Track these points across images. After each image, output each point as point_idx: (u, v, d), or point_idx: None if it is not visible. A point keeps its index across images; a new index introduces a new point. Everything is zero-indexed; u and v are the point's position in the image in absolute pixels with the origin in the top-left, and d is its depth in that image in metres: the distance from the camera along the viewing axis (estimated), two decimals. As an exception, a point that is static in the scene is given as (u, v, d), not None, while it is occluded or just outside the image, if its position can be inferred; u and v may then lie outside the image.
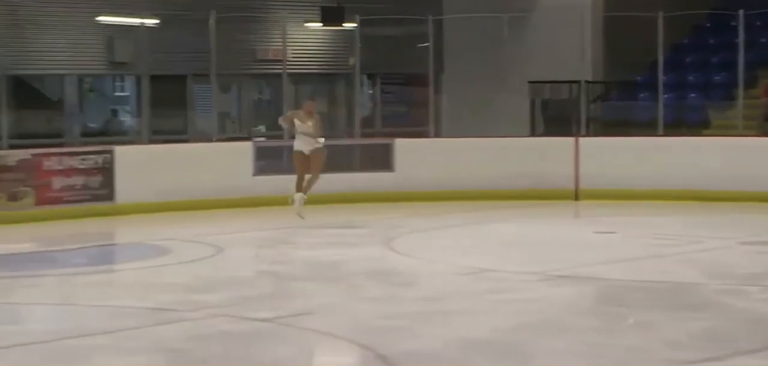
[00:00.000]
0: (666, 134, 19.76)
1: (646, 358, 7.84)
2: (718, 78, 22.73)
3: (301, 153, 15.34)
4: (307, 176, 15.34)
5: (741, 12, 19.71)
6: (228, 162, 18.14)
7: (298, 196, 15.24)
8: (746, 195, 17.80)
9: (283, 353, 8.10)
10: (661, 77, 20.17)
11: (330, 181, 18.34)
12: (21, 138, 18.46)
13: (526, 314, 9.38)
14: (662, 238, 14.27)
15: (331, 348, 8.54)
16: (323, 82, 24.71)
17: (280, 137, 18.97)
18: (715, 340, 8.38)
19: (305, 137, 15.29)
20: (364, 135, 21.02)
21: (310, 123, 15.34)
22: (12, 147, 17.06)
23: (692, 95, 22.70)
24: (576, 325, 9.00)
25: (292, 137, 15.85)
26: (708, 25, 24.22)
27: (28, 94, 21.11)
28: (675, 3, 20.72)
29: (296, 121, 15.44)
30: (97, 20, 20.66)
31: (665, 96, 20.47)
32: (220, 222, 15.69)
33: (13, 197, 16.11)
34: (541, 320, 9.14)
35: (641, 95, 22.43)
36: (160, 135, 19.97)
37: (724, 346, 8.17)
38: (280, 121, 16.25)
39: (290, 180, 16.02)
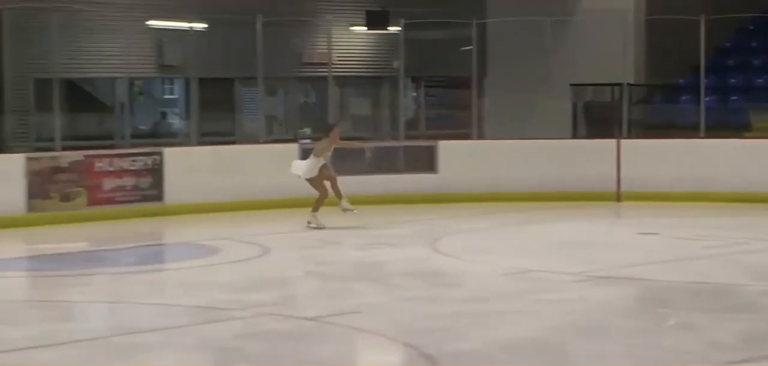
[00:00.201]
0: (708, 137, 19.57)
1: (689, 358, 7.77)
2: (760, 81, 22.56)
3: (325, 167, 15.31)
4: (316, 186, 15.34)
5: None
6: (274, 163, 18.17)
7: (343, 202, 15.26)
8: (789, 197, 17.67)
9: (328, 352, 8.10)
10: (703, 80, 19.98)
11: (375, 183, 18.41)
12: (73, 140, 18.58)
13: (568, 315, 9.31)
14: (704, 239, 14.12)
15: (376, 347, 8.53)
16: (368, 85, 24.71)
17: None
18: (758, 341, 8.29)
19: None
20: (408, 137, 21.01)
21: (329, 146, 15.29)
22: (65, 149, 17.16)
23: (734, 98, 22.48)
24: (618, 326, 8.93)
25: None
26: (751, 27, 23.99)
27: (80, 97, 21.27)
28: (717, 6, 20.55)
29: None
30: (147, 25, 20.79)
31: (707, 99, 20.25)
32: (267, 222, 15.73)
33: (66, 198, 16.23)
34: (584, 321, 9.09)
35: (683, 98, 22.26)
36: (208, 137, 20.05)
37: (766, 347, 8.08)
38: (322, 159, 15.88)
39: (338, 182, 16.06)
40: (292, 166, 15.54)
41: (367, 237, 14.79)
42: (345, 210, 15.24)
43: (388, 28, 21.96)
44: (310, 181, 15.11)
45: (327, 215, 15.23)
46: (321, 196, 15.19)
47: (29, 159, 16.22)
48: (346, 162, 17.26)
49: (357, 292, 10.61)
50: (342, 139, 15.87)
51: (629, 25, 21.77)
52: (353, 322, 9.04)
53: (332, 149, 15.31)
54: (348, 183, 17.82)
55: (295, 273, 12.34)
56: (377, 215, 16.64)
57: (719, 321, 8.95)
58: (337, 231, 15.07)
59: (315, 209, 15.15)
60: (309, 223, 15.11)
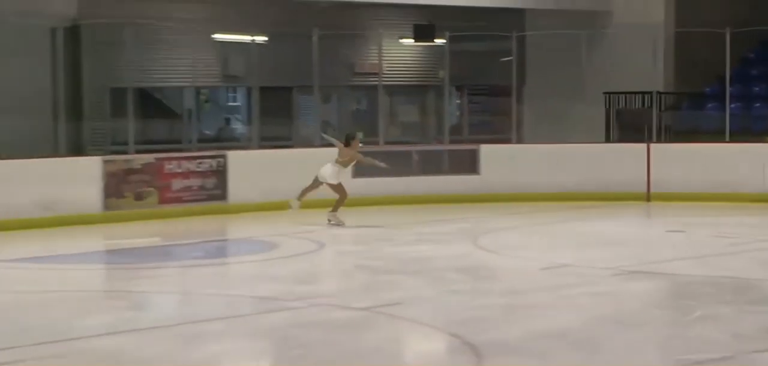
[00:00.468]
0: (732, 141, 19.43)
1: (715, 348, 7.70)
2: None
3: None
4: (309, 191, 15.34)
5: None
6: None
7: (335, 214, 15.25)
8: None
9: (377, 340, 8.10)
10: (729, 88, 19.82)
11: (421, 183, 18.43)
12: (145, 144, 18.73)
13: (602, 307, 9.25)
14: (729, 237, 13.98)
15: (422, 336, 8.51)
16: (415, 93, 24.67)
17: (376, 143, 19.02)
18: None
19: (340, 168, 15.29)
20: (452, 141, 20.95)
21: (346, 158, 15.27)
22: (138, 152, 17.30)
23: (757, 105, 22.24)
24: (648, 317, 8.86)
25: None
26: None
27: (151, 104, 21.42)
28: (742, 20, 20.36)
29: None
30: (213, 38, 20.92)
31: (732, 106, 20.15)
32: (323, 220, 15.74)
33: (139, 197, 16.36)
34: (617, 313, 9.02)
35: (709, 105, 22.03)
36: (268, 141, 20.11)
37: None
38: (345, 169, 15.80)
39: (386, 182, 16.05)
40: (319, 173, 15.47)
41: (414, 234, 14.76)
42: (330, 220, 15.22)
43: (434, 40, 21.93)
44: (332, 185, 15.17)
45: (383, 214, 15.23)
46: (341, 197, 15.24)
47: (105, 161, 16.36)
48: (395, 165, 17.27)
49: (405, 285, 10.58)
50: (386, 143, 15.87)
51: (659, 37, 21.59)
52: (401, 313, 9.03)
53: (353, 162, 15.34)
54: (396, 184, 17.93)
55: (347, 267, 12.36)
56: (424, 214, 16.62)
57: (742, 313, 8.85)
58: (386, 228, 15.07)
59: (335, 209, 15.24)
60: (329, 221, 15.15)
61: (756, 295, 9.88)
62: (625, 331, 8.32)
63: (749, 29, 20.89)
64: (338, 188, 15.19)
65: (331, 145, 15.79)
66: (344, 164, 15.22)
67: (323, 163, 15.32)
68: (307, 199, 15.38)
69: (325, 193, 15.33)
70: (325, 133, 16.49)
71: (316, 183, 15.22)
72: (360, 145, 15.82)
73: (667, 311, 9.34)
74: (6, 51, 17.48)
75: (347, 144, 15.30)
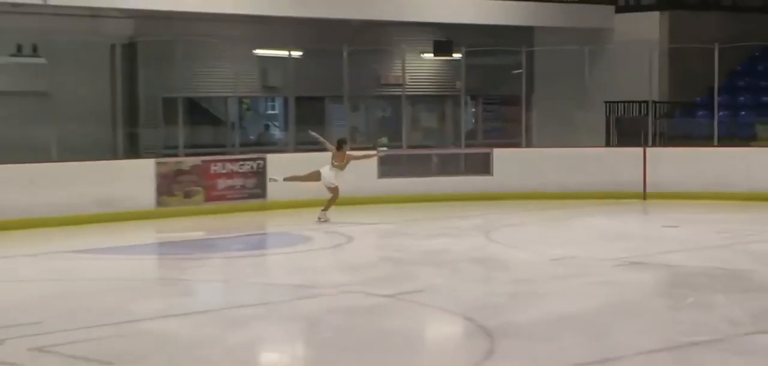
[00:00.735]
0: (720, 146, 19.41)
1: (710, 331, 7.59)
2: (765, 99, 22.23)
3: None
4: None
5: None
6: (357, 167, 18.14)
7: (325, 212, 15.14)
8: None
9: (400, 323, 8.03)
10: (717, 98, 19.76)
11: (439, 183, 18.37)
12: (193, 148, 18.74)
13: (605, 295, 9.13)
14: (718, 232, 13.83)
15: (440, 320, 8.43)
16: (434, 102, 24.58)
17: (399, 147, 18.96)
18: (765, 316, 8.07)
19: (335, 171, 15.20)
20: (468, 145, 20.88)
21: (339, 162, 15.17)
22: (187, 155, 17.30)
23: (743, 113, 22.10)
24: (647, 304, 8.75)
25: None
26: (757, 54, 23.59)
27: (198, 112, 21.45)
28: (730, 36, 20.31)
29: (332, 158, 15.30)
30: (254, 53, 20.96)
31: (720, 114, 20.11)
32: (351, 216, 15.68)
33: (188, 195, 16.36)
34: (619, 300, 8.91)
35: (700, 113, 21.90)
36: (303, 145, 20.09)
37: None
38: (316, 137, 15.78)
39: (408, 182, 15.96)
40: (322, 174, 15.35)
41: (433, 229, 14.66)
42: (320, 218, 15.08)
43: (452, 55, 21.91)
44: (330, 187, 15.08)
45: (406, 211, 15.11)
46: (334, 197, 15.18)
47: (158, 163, 16.39)
48: (417, 167, 17.20)
49: (424, 275, 10.49)
50: (408, 147, 15.82)
51: (654, 52, 21.46)
52: (421, 300, 8.95)
53: (349, 162, 15.22)
54: (417, 184, 17.87)
55: (373, 258, 12.27)
56: (442, 211, 16.55)
57: (735, 301, 8.72)
58: (408, 223, 14.99)
59: (326, 208, 15.15)
60: (319, 218, 15.04)
61: (745, 284, 9.72)
62: (626, 316, 8.21)
63: (736, 45, 20.84)
64: (334, 190, 15.14)
65: (317, 141, 15.74)
66: (341, 167, 15.19)
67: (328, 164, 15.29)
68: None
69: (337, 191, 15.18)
70: (313, 132, 16.41)
71: (312, 178, 15.10)
72: (384, 149, 15.79)
73: (665, 299, 9.19)
74: (71, 66, 17.56)
75: (339, 148, 15.28)
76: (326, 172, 15.19)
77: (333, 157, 15.22)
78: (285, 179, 15.49)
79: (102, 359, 6.98)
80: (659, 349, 7.20)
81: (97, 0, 17.74)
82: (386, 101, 24.20)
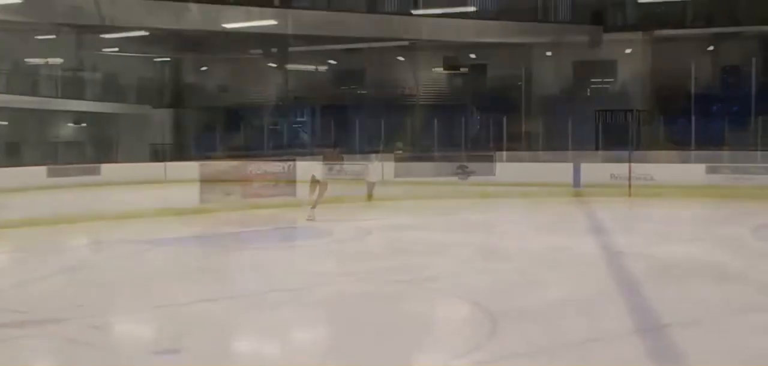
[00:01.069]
0: (696, 149, 19.58)
1: (686, 313, 7.35)
2: (734, 109, 22.29)
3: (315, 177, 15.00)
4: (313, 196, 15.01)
5: (753, 60, 19.38)
6: (378, 171, 18.13)
7: (313, 210, 14.86)
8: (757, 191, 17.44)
9: (412, 307, 7.88)
10: (693, 108, 19.94)
11: (449, 183, 18.23)
12: (232, 150, 18.76)
13: (599, 281, 8.95)
14: (696, 224, 13.61)
15: (449, 304, 8.25)
16: (444, 112, 24.55)
17: (413, 151, 18.87)
18: (739, 299, 7.83)
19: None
20: (473, 149, 20.88)
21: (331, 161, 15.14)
22: (227, 157, 17.32)
23: (715, 122, 22.11)
24: (635, 289, 8.53)
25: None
26: (729, 71, 23.57)
27: (237, 119, 21.46)
28: (707, 54, 20.48)
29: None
30: (286, 67, 20.99)
31: (696, 122, 20.31)
32: (369, 212, 15.54)
33: (227, 193, 16.33)
34: (609, 285, 8.75)
35: (679, 120, 21.96)
36: (328, 149, 20.09)
37: (747, 302, 7.61)
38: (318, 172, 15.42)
39: (422, 183, 15.74)
40: (314, 171, 15.20)
41: (443, 224, 14.49)
42: (309, 217, 14.79)
43: (460, 69, 21.88)
44: (319, 181, 14.84)
45: (419, 208, 14.95)
46: (321, 193, 14.97)
47: (201, 165, 16.43)
48: (429, 169, 17.07)
49: (434, 264, 10.30)
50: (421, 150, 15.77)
51: (638, 67, 21.50)
52: (432, 286, 8.79)
53: (340, 162, 15.41)
54: (428, 184, 17.70)
55: (388, 249, 12.09)
56: (451, 208, 16.42)
57: (707, 286, 8.60)
58: (420, 219, 14.83)
59: (314, 206, 14.89)
60: (308, 218, 14.78)
61: (716, 271, 9.48)
62: (617, 299, 8.05)
63: (712, 64, 20.95)
64: (323, 186, 14.88)
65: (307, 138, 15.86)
66: (331, 167, 15.12)
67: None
68: (321, 200, 15.07)
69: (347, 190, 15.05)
70: (396, 150, 16.44)
71: (323, 187, 14.89)
72: (399, 152, 15.68)
73: (651, 284, 8.94)
74: (125, 80, 17.56)
75: (335, 153, 15.35)
76: (317, 168, 15.03)
77: (324, 157, 15.14)
78: (312, 209, 15.00)
79: (149, 338, 6.87)
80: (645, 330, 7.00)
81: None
82: (402, 110, 24.17)
